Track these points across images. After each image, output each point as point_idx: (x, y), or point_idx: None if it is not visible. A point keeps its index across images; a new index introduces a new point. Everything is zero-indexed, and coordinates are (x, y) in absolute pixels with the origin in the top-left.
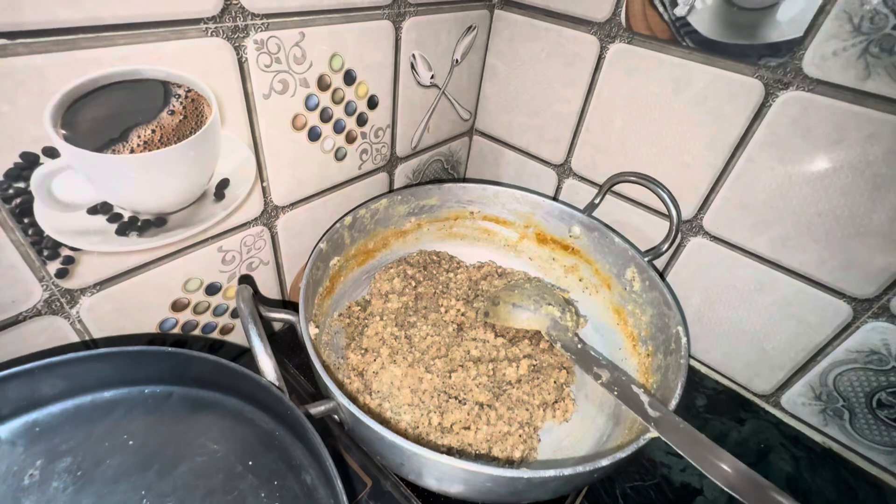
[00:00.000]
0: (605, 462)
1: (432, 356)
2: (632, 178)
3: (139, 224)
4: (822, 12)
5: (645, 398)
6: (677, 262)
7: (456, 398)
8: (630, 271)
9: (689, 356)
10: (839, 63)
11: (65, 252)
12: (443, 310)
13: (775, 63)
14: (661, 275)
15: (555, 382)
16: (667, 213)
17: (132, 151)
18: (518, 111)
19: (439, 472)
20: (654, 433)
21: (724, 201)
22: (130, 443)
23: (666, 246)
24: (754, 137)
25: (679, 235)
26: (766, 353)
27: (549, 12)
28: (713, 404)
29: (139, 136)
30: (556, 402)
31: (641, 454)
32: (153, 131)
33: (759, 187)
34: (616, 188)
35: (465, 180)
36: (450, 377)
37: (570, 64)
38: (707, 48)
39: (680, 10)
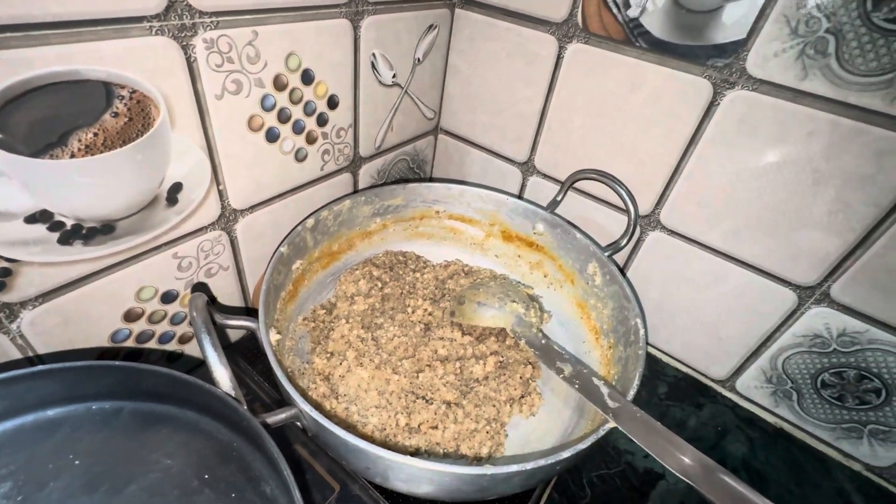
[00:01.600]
0: (566, 454)
1: (399, 357)
2: (592, 176)
3: (84, 232)
4: (762, 16)
5: (605, 390)
6: (637, 256)
7: (423, 398)
8: (592, 266)
9: (648, 346)
10: (779, 64)
11: (1, 264)
12: (410, 310)
13: (722, 63)
14: (622, 269)
15: (521, 378)
16: (625, 209)
17: (72, 156)
18: (481, 110)
19: (405, 473)
20: (612, 423)
21: (678, 197)
22: (77, 463)
23: (625, 241)
24: (705, 135)
25: (637, 230)
26: (721, 341)
27: (509, 12)
28: (674, 391)
29: (80, 140)
30: (522, 397)
31: (606, 443)
32: (95, 134)
33: (711, 183)
34: (578, 185)
35: (430, 180)
36: (417, 377)
37: (530, 63)
38: (659, 49)
39: (633, 12)
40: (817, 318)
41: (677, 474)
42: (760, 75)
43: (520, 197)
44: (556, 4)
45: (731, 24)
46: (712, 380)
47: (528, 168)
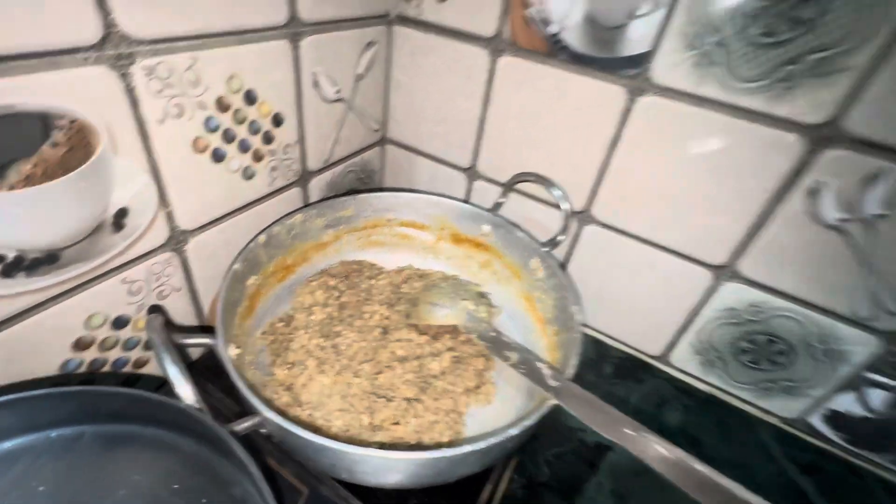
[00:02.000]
0: (513, 431)
1: (360, 361)
2: (529, 178)
3: (27, 263)
4: (662, 31)
5: (547, 371)
6: (577, 248)
7: (384, 397)
8: (534, 262)
9: (594, 331)
10: (680, 72)
11: None
12: (367, 316)
13: (632, 73)
14: (561, 262)
15: (475, 370)
16: (560, 207)
17: (12, 188)
18: (425, 121)
19: (369, 465)
20: (554, 401)
21: (607, 193)
22: (41, 489)
23: (561, 237)
24: (624, 137)
25: (573, 226)
26: (654, 321)
27: (443, 28)
28: (618, 370)
29: (18, 172)
30: (477, 387)
31: (559, 423)
32: (35, 165)
33: (634, 179)
34: (519, 186)
35: (380, 189)
36: (377, 378)
37: (467, 76)
38: (579, 61)
39: (553, 29)
40: (730, 293)
41: (613, 440)
42: (665, 83)
43: (466, 201)
44: (485, 21)
45: (637, 39)
46: (650, 356)
47: (472, 173)
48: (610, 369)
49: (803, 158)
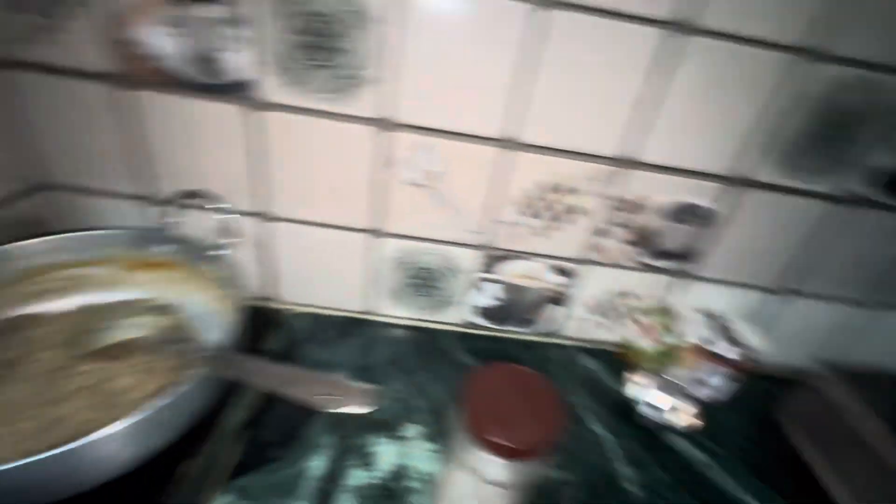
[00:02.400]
0: (166, 401)
1: (33, 407)
2: (194, 194)
3: None
4: (259, 61)
5: (205, 348)
6: (276, 243)
7: (64, 427)
8: (208, 265)
9: (305, 308)
10: (283, 91)
11: None
12: (36, 364)
13: (249, 95)
14: (230, 260)
15: (169, 370)
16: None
17: None
18: (87, 158)
19: (33, 477)
20: (208, 370)
21: (284, 194)
22: None
23: (225, 241)
24: (272, 149)
25: (246, 228)
26: (351, 283)
27: (57, 69)
28: (341, 333)
29: None
30: (169, 385)
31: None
32: None
33: (299, 178)
34: (193, 202)
35: (41, 234)
36: (54, 414)
37: (111, 109)
38: (205, 88)
39: (163, 63)
40: (386, 247)
41: (246, 380)
42: (277, 100)
43: (141, 228)
44: (96, 60)
45: (239, 68)
46: (360, 312)
47: (148, 199)
48: (333, 333)
49: (380, 141)
